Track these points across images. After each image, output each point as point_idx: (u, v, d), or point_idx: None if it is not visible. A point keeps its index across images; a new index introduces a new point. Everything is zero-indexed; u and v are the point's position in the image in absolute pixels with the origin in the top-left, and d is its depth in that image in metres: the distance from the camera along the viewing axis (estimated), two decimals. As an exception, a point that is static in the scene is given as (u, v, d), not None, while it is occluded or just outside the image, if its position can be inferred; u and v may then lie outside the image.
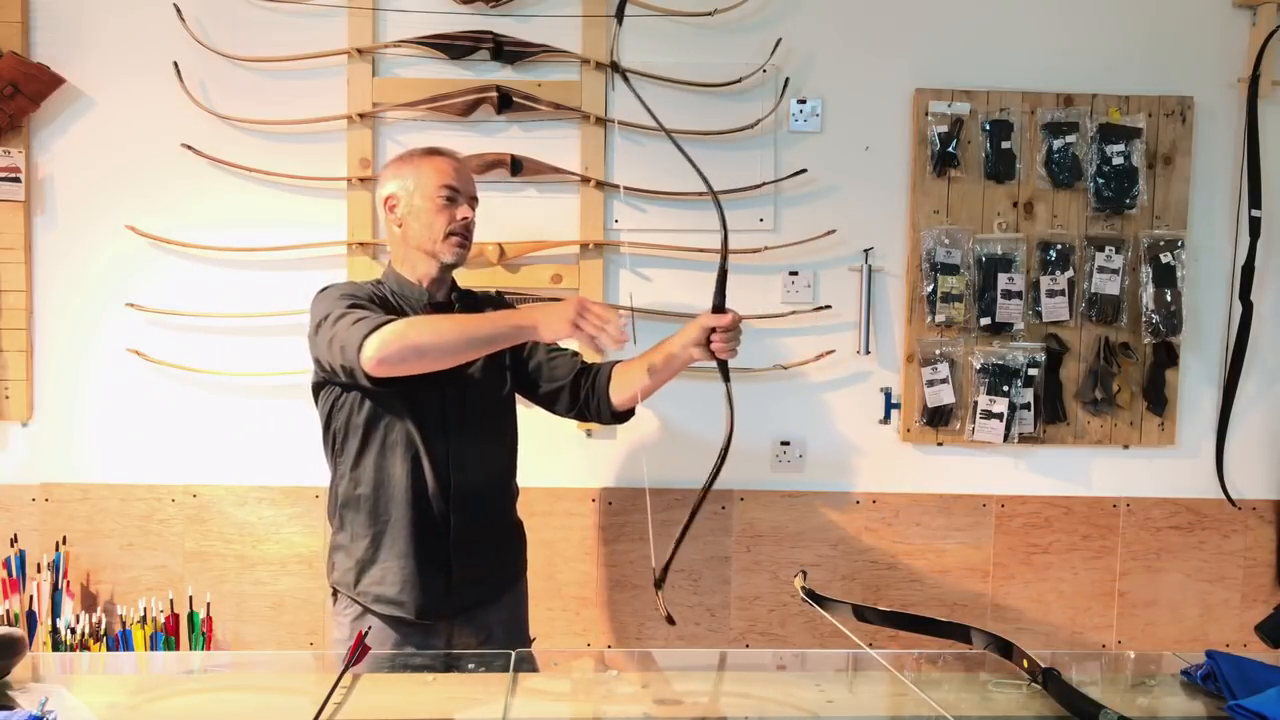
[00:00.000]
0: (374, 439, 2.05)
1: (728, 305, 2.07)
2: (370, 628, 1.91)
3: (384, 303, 2.07)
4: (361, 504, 2.07)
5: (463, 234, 2.13)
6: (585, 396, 2.20)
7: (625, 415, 2.22)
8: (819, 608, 1.78)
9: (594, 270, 2.73)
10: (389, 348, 1.83)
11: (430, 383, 1.97)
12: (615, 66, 2.03)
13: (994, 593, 2.84)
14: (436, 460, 2.05)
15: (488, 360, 2.12)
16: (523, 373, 2.24)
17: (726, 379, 2.07)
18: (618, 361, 2.22)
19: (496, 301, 2.33)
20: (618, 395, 2.17)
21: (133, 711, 1.53)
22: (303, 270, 2.73)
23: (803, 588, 1.83)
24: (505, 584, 2.23)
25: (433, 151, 2.18)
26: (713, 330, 2.03)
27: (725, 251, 2.04)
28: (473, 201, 2.16)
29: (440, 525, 2.07)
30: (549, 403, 2.27)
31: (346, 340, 1.87)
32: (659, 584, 1.99)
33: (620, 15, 2.06)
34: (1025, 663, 1.57)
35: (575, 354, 2.28)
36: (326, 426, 2.12)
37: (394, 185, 2.14)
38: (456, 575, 2.09)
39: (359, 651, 1.60)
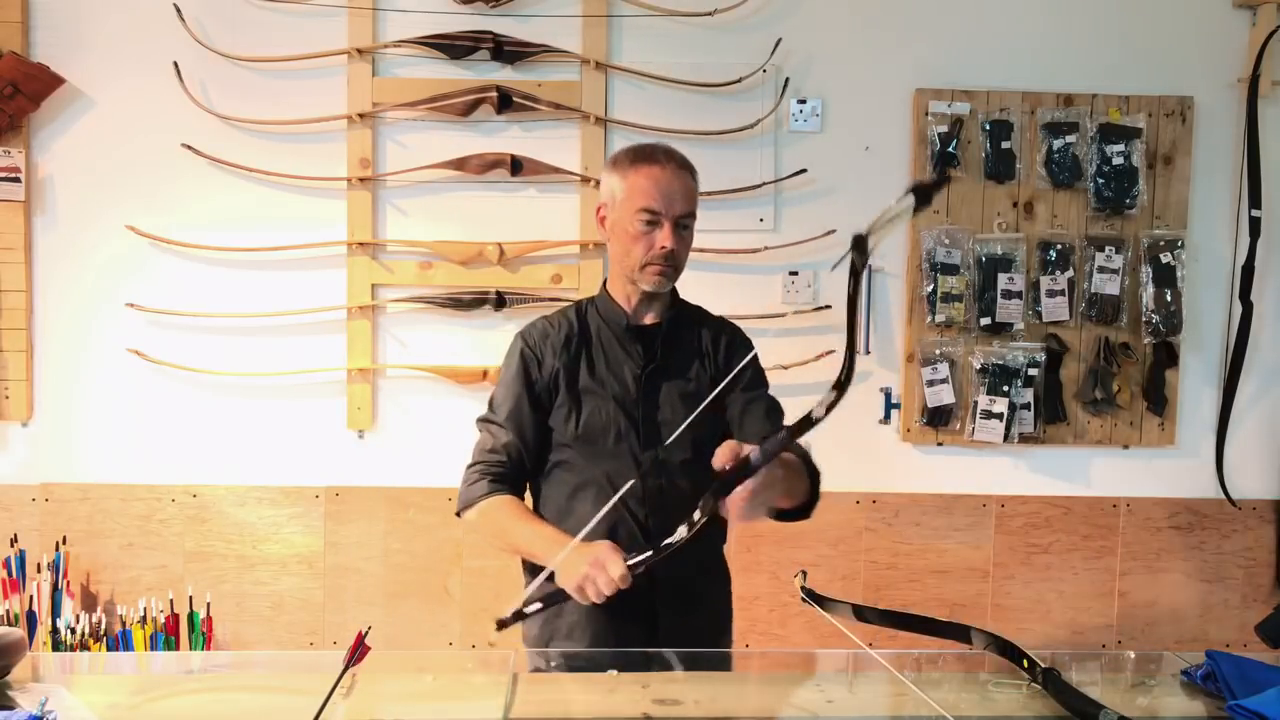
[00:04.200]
0: (565, 479, 1.89)
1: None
2: (370, 627, 1.89)
3: (570, 342, 1.89)
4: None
5: (662, 264, 1.82)
6: None
7: (788, 514, 1.79)
8: (819, 608, 1.78)
9: (594, 270, 2.73)
10: (472, 525, 1.89)
11: (628, 427, 1.85)
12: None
13: (994, 593, 2.84)
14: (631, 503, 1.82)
15: (696, 403, 1.77)
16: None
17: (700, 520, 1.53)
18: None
19: (717, 326, 1.96)
20: None
21: (133, 711, 1.53)
22: (303, 270, 2.73)
23: (803, 588, 1.83)
24: (717, 634, 2.04)
25: (644, 157, 1.84)
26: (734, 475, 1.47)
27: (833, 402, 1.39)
28: (682, 221, 1.83)
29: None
30: None
31: (462, 494, 1.89)
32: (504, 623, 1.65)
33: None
34: (1025, 663, 1.57)
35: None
36: None
37: (605, 191, 1.87)
38: (662, 622, 1.89)
39: (359, 651, 1.60)
